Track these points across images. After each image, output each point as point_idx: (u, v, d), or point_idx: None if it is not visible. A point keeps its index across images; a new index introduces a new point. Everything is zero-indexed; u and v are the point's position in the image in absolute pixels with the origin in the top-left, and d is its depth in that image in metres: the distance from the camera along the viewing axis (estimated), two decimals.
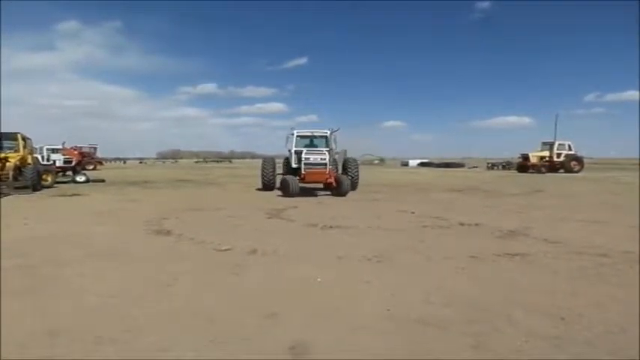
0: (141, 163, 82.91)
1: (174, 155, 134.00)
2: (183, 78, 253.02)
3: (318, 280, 4.66)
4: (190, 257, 5.71)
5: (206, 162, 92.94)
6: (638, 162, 44.27)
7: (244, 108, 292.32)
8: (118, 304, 3.88)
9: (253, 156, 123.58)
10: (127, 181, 22.86)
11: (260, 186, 16.78)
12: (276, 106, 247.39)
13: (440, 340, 3.13)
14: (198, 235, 7.09)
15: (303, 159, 14.62)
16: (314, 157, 14.75)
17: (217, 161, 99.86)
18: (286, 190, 13.98)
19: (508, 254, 5.87)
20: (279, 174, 16.37)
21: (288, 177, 14.34)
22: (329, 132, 16.36)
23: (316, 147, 16.07)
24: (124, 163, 77.72)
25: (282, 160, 17.29)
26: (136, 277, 4.78)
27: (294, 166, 15.78)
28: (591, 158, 48.10)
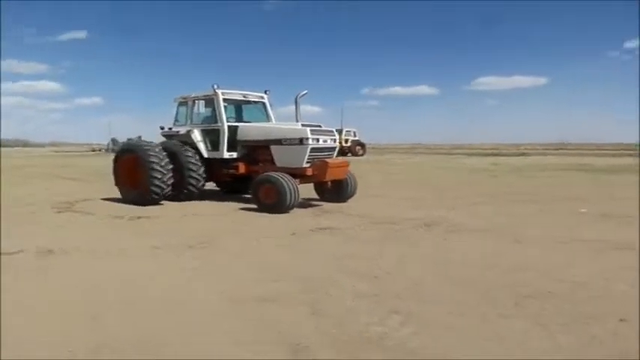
0: None
1: None
2: None
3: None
4: None
5: None
6: (405, 147, 53.56)
7: (5, 85, 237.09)
8: None
9: (25, 144, 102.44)
10: None
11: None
12: (50, 86, 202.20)
13: (281, 313, 3.21)
14: None
15: (309, 142, 8.18)
16: (323, 139, 8.63)
17: None
18: (281, 203, 7.71)
19: (322, 228, 6.40)
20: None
21: (278, 175, 7.93)
22: (267, 97, 10.36)
23: (248, 121, 9.92)
24: None
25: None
26: None
27: (223, 155, 9.17)
28: (370, 144, 55.72)
